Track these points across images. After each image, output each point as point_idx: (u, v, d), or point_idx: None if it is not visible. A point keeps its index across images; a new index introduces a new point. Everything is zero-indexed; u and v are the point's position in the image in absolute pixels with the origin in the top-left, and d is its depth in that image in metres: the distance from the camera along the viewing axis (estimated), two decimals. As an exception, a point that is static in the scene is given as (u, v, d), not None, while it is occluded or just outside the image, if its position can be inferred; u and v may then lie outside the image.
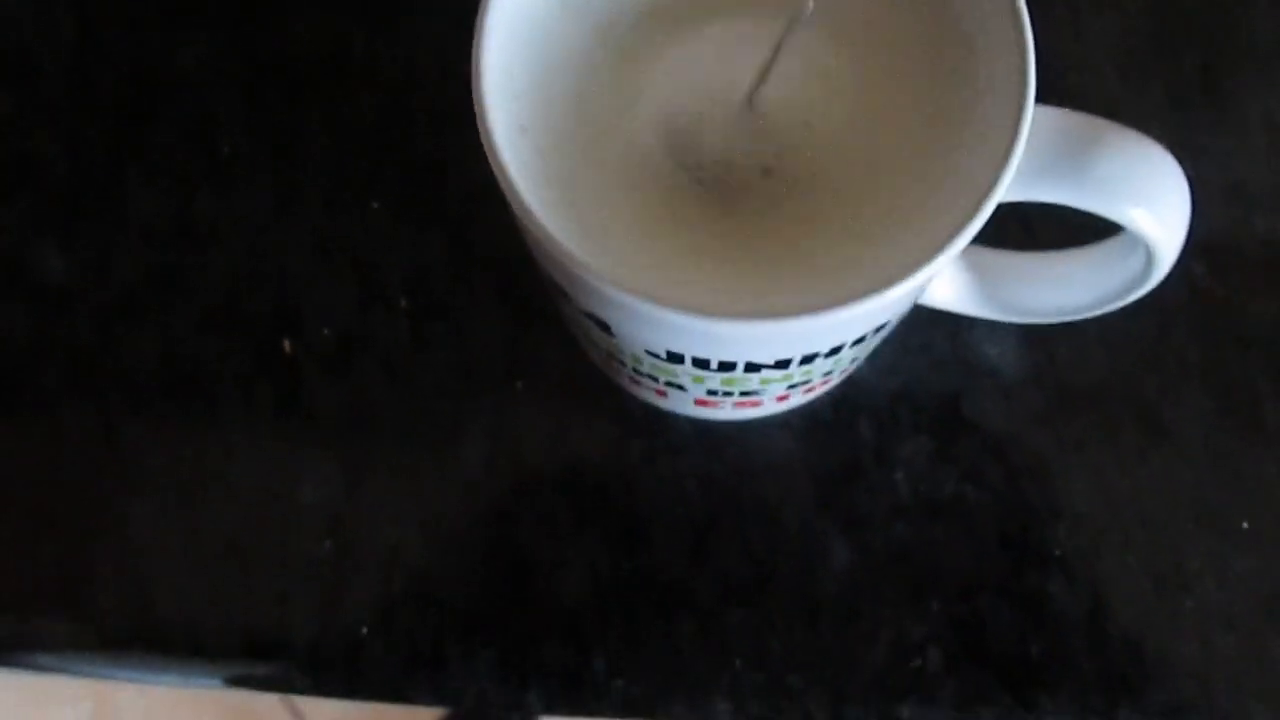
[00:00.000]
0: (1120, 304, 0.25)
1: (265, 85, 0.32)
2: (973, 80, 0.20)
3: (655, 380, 0.24)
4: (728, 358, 0.21)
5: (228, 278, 0.31)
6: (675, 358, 0.21)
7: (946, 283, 0.26)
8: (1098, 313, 0.25)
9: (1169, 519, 0.28)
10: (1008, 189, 0.19)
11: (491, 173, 0.19)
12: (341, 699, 0.29)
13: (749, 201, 0.20)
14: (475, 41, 0.19)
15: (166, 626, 0.29)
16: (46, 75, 0.32)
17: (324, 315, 0.30)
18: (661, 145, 0.20)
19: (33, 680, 0.96)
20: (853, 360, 0.24)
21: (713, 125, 0.20)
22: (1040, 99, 0.19)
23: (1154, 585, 0.28)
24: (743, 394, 0.24)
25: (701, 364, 0.21)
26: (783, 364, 0.21)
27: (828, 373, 0.24)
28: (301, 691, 0.29)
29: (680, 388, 0.24)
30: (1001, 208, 0.21)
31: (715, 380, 0.23)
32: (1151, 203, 0.20)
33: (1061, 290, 0.25)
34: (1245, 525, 0.28)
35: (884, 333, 0.23)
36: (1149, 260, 0.22)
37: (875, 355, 0.29)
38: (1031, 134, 0.19)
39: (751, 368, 0.21)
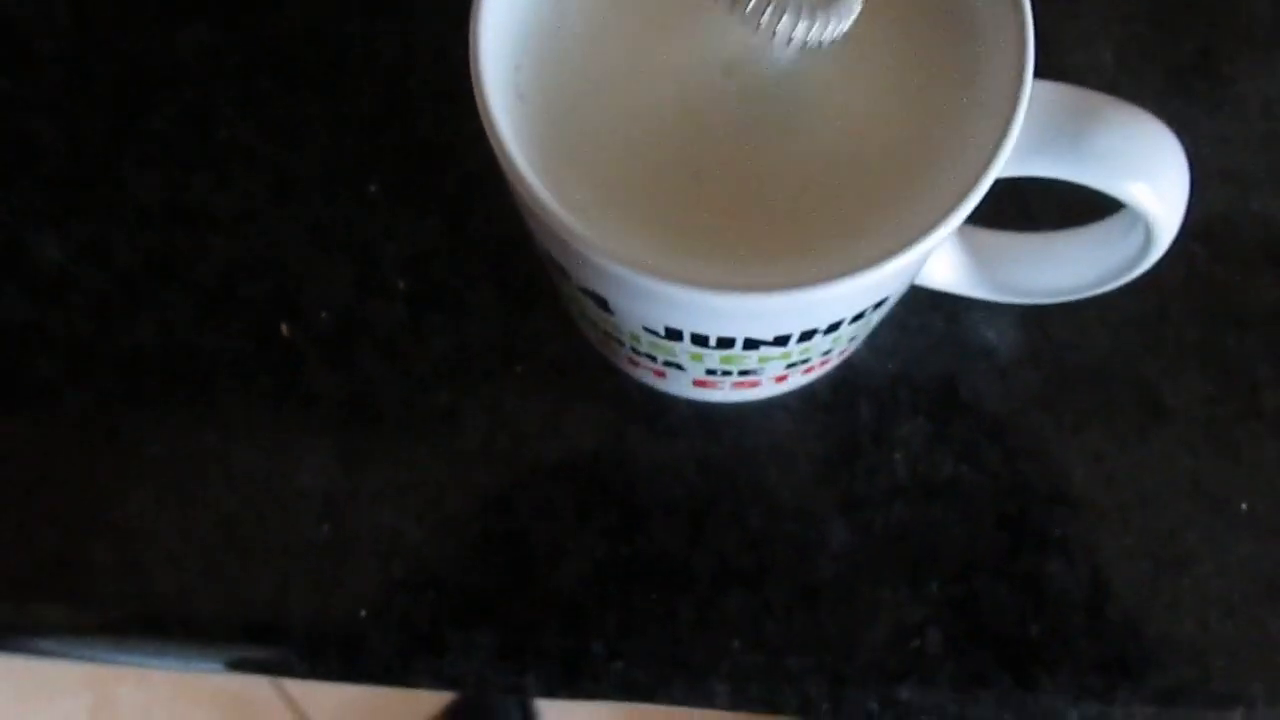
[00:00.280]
0: (1119, 283, 0.25)
1: (262, 70, 0.32)
2: (972, 55, 0.20)
3: (654, 360, 0.24)
4: (726, 333, 0.21)
5: (225, 263, 0.31)
6: (674, 334, 0.21)
7: (945, 264, 0.26)
8: (1097, 292, 0.25)
9: (1167, 500, 0.28)
10: (1006, 163, 0.19)
11: (490, 156, 0.19)
12: (339, 683, 0.29)
13: (748, 176, 0.20)
14: (473, 8, 0.19)
15: (164, 611, 0.29)
16: (44, 61, 0.32)
17: (322, 300, 0.30)
18: (663, 115, 0.20)
19: (32, 673, 0.96)
20: (852, 339, 0.24)
21: (713, 95, 0.20)
22: (1039, 79, 0.19)
23: (1153, 566, 0.28)
24: (741, 373, 0.24)
25: (700, 340, 0.21)
26: (782, 340, 0.21)
27: (826, 352, 0.24)
28: (299, 675, 0.29)
29: (679, 367, 0.24)
30: (1000, 187, 0.21)
31: (714, 358, 0.23)
32: (1151, 177, 0.20)
33: (1060, 270, 0.25)
34: (1244, 507, 0.28)
35: (883, 311, 0.23)
36: (1148, 237, 0.22)
37: (873, 336, 0.29)
38: (1030, 108, 0.19)
39: (750, 344, 0.21)
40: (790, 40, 0.18)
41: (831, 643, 0.28)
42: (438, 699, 0.88)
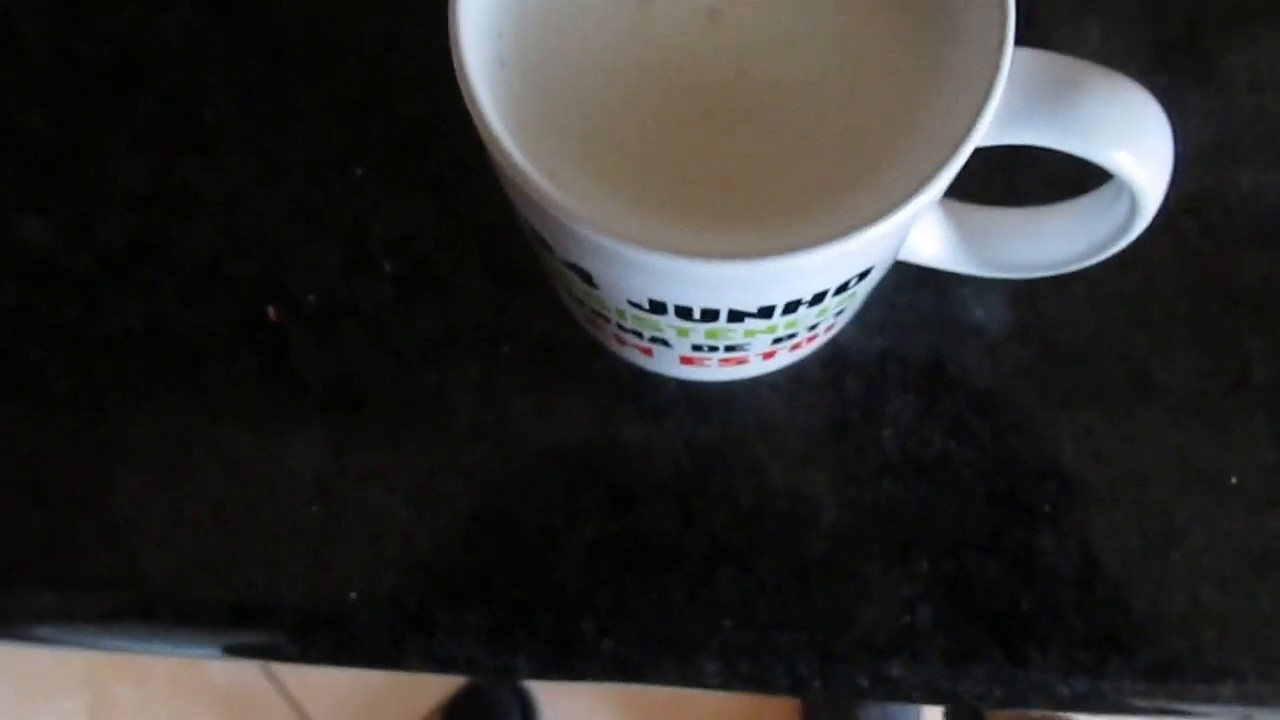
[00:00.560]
0: (1106, 254, 0.25)
1: (249, 52, 0.32)
2: (954, 23, 0.20)
3: (640, 336, 0.24)
4: (710, 304, 0.21)
5: (213, 245, 0.31)
6: (658, 307, 0.21)
7: (932, 239, 0.26)
8: (1084, 265, 0.25)
9: (1157, 475, 0.28)
10: (989, 131, 0.19)
11: (477, 137, 0.19)
12: (330, 665, 0.29)
13: (730, 145, 0.20)
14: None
15: (155, 595, 0.29)
16: (29, 43, 0.32)
17: (309, 282, 0.30)
18: (647, 81, 0.20)
19: (31, 674, 0.96)
20: (839, 312, 0.24)
21: (697, 62, 0.20)
22: (1021, 47, 0.19)
23: (1142, 541, 0.28)
24: (728, 349, 0.24)
25: (684, 313, 0.21)
26: (766, 312, 0.21)
27: (813, 326, 0.24)
28: (290, 659, 0.29)
29: (665, 343, 0.24)
30: (986, 162, 0.21)
31: (699, 332, 0.23)
32: (1134, 143, 0.20)
33: (1047, 243, 0.25)
34: (1233, 480, 0.28)
35: (869, 283, 0.23)
36: (1133, 206, 0.22)
37: (862, 314, 0.29)
38: (1013, 75, 0.19)
39: (735, 316, 0.21)
40: None
41: (822, 620, 0.28)
42: (436, 694, 0.88)
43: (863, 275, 0.21)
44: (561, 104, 0.20)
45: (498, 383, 0.30)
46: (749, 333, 0.23)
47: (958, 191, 0.22)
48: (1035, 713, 0.42)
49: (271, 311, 0.30)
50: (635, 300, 0.21)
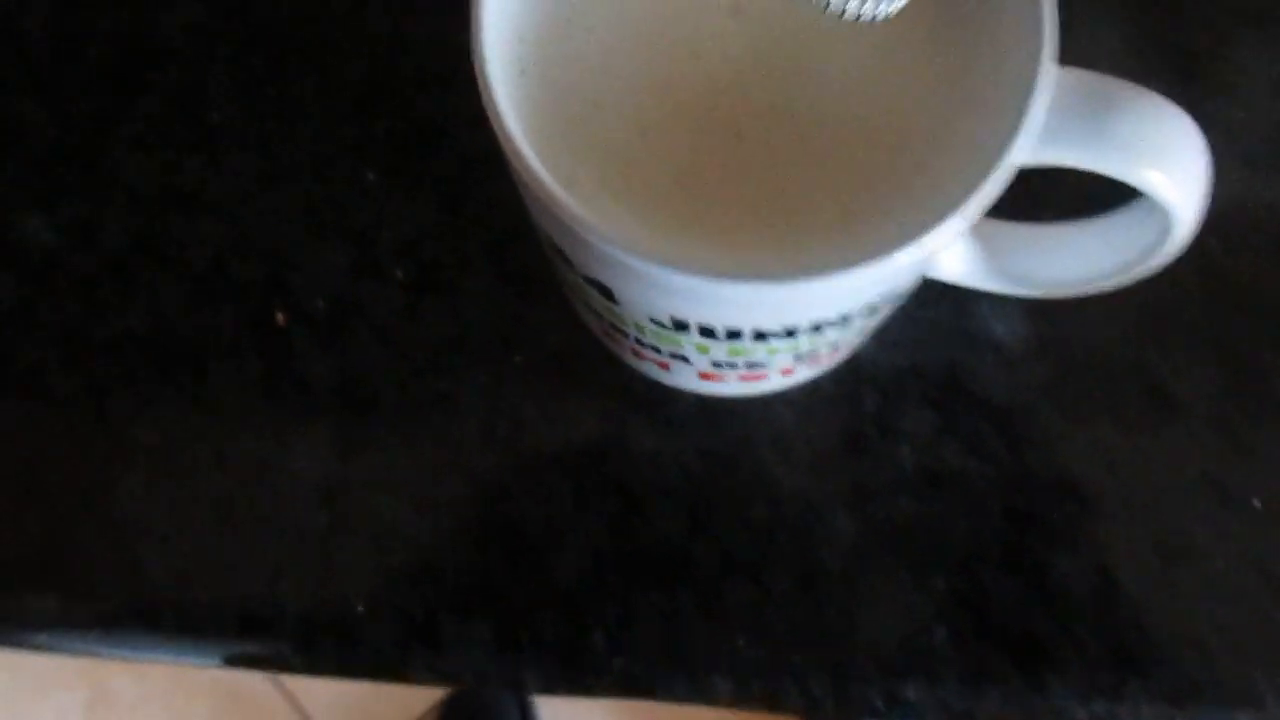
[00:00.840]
0: (1135, 276, 0.24)
1: (254, 51, 0.31)
2: (991, 41, 0.19)
3: (659, 351, 0.24)
4: (734, 324, 0.20)
5: (219, 247, 0.30)
6: (680, 325, 0.21)
7: (956, 256, 0.26)
8: (1112, 285, 0.25)
9: (1176, 493, 0.28)
10: (1024, 151, 0.19)
11: (488, 138, 0.19)
12: (335, 677, 0.29)
13: (759, 161, 0.19)
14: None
15: (158, 602, 0.28)
16: (32, 42, 0.32)
17: (317, 285, 0.30)
18: (673, 94, 0.19)
19: (28, 667, 0.95)
20: (861, 332, 0.24)
21: (726, 77, 0.19)
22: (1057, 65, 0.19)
23: (1161, 560, 0.28)
24: (748, 366, 0.24)
25: (708, 332, 0.21)
26: (791, 332, 0.21)
27: (836, 345, 0.24)
28: (295, 670, 0.29)
29: (685, 359, 0.24)
30: (1014, 176, 0.21)
31: (721, 350, 0.22)
32: (1170, 166, 0.19)
33: (1074, 262, 0.25)
34: (1254, 501, 0.28)
35: (895, 302, 0.22)
36: (1166, 228, 0.21)
37: (880, 329, 0.28)
38: (1048, 94, 0.19)
39: (759, 336, 0.21)
40: (844, 13, 0.17)
41: (836, 638, 0.27)
42: (434, 691, 0.88)
43: (891, 297, 0.21)
44: (584, 114, 0.19)
45: (509, 390, 0.29)
46: (772, 351, 0.22)
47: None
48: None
49: (280, 318, 0.29)
50: (657, 318, 0.21)
